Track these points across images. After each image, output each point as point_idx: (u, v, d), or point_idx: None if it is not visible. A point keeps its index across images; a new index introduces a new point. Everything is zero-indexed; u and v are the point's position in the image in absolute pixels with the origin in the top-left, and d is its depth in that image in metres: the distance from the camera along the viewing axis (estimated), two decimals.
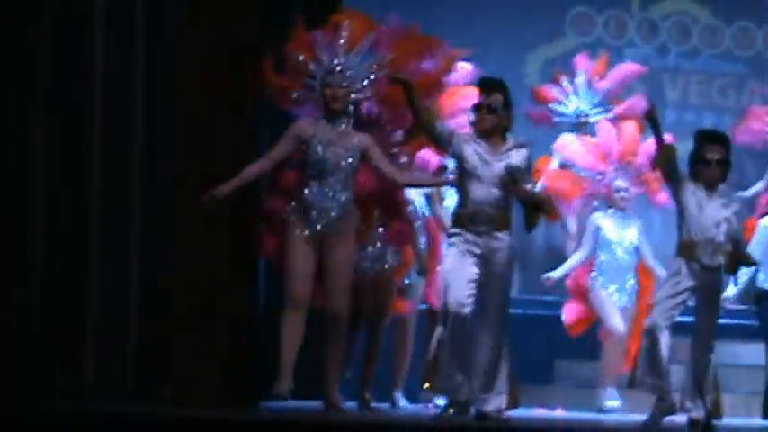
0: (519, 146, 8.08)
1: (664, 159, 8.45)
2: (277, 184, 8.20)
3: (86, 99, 8.21)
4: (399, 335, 9.36)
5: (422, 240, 9.50)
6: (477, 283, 7.86)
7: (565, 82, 11.20)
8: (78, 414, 6.96)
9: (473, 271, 7.85)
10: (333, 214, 8.07)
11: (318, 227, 8.03)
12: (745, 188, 11.08)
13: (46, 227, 8.00)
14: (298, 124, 8.07)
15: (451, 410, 7.94)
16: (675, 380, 8.59)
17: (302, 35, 8.32)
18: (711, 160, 8.35)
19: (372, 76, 8.31)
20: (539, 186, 9.98)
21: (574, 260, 10.32)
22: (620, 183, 9.93)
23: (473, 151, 7.90)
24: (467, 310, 7.82)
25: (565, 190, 10.42)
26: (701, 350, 8.42)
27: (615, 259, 10.04)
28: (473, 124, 8.07)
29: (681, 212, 8.40)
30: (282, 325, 8.09)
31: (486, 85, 8.14)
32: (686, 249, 8.31)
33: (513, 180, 7.84)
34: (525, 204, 7.99)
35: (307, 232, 8.07)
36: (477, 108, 8.05)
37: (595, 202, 10.44)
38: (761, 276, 9.90)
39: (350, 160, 8.09)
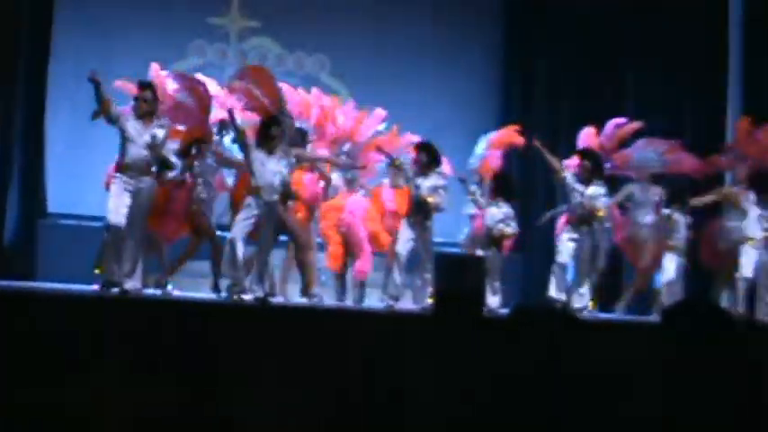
0: (161, 125, 9.20)
1: (240, 138, 9.47)
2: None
3: None
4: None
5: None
6: (129, 207, 8.93)
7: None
8: None
9: (127, 201, 8.93)
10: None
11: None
12: None
13: None
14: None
15: (106, 287, 8.88)
16: None
17: None
18: (273, 135, 9.35)
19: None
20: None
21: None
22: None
23: (132, 126, 9.04)
24: (122, 224, 8.90)
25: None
26: (262, 253, 9.42)
27: None
28: (133, 109, 9.10)
29: (250, 167, 9.34)
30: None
31: (140, 85, 9.25)
32: (255, 190, 9.31)
33: (153, 138, 9.00)
34: (160, 160, 9.16)
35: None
36: (135, 99, 9.14)
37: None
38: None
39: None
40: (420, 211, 10.25)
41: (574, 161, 11.09)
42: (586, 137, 11.51)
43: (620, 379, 3.20)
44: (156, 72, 10.33)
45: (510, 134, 11.61)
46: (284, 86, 10.43)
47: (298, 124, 10.44)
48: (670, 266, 11.14)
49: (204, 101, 9.97)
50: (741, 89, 13.15)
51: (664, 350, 3.15)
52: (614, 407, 3.14)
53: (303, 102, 10.91)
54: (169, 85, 10.11)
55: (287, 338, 7.27)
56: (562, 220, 11.16)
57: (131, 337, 6.79)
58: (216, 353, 6.94)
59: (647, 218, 11.33)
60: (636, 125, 11.63)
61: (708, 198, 11.43)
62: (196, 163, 10.03)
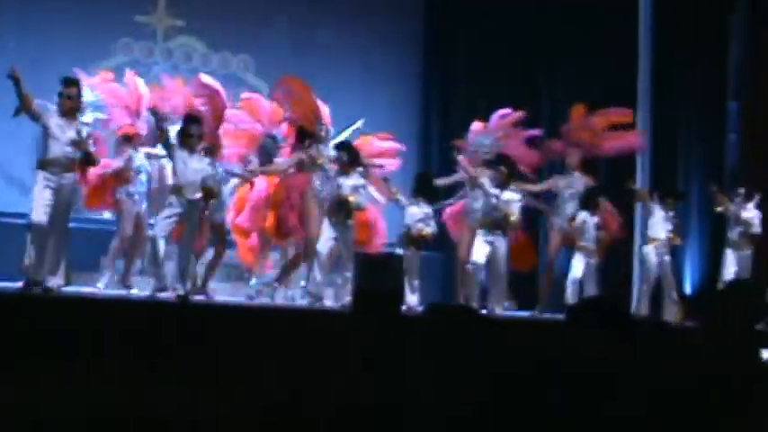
0: (85, 122, 9.14)
1: (163, 137, 9.50)
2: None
3: None
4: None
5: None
6: (52, 204, 8.77)
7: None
8: None
9: (50, 197, 8.77)
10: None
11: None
12: None
13: None
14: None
15: (29, 285, 8.78)
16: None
17: None
18: (192, 134, 9.45)
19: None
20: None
21: None
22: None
23: (55, 123, 8.87)
24: (45, 222, 8.76)
25: None
26: (184, 251, 9.47)
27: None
28: (57, 105, 8.93)
29: (174, 167, 9.44)
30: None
31: (65, 82, 9.08)
32: (176, 189, 9.36)
33: (78, 134, 8.88)
34: (86, 155, 8.99)
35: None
36: (60, 95, 8.97)
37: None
38: None
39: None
40: (342, 211, 10.24)
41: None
42: (475, 131, 11.60)
43: (523, 375, 3.18)
44: (131, 77, 10.68)
45: (384, 142, 11.59)
46: (256, 96, 10.92)
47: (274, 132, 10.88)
48: (578, 266, 11.23)
49: (218, 111, 10.19)
50: (651, 86, 13.26)
51: (568, 347, 3.15)
52: (516, 403, 3.12)
53: (275, 111, 11.06)
54: (142, 87, 10.54)
55: (209, 336, 7.34)
56: (447, 213, 11.37)
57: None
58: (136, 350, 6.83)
59: (478, 203, 11.11)
60: (519, 114, 11.64)
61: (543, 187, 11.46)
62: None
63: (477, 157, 11.33)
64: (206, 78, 10.58)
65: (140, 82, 10.76)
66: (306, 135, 10.12)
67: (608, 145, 11.60)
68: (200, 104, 10.12)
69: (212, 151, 9.96)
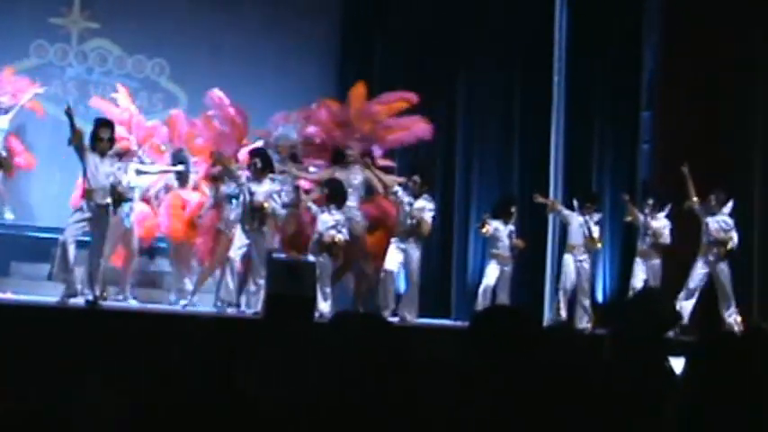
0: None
1: (76, 139, 9.32)
2: None
3: None
4: None
5: None
6: None
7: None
8: None
9: None
10: None
11: None
12: None
13: None
14: None
15: None
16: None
17: None
18: (102, 138, 9.33)
19: None
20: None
21: None
22: None
23: None
24: None
25: None
26: (94, 255, 9.29)
27: None
28: None
29: (85, 171, 9.27)
30: None
31: None
32: (88, 193, 9.22)
33: None
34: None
35: None
36: None
37: None
38: None
39: None
40: (255, 217, 10.07)
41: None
42: (276, 120, 11.55)
43: (428, 381, 3.09)
44: (121, 90, 11.40)
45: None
46: (180, 114, 11.42)
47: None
48: (492, 274, 11.16)
49: (241, 131, 10.78)
50: (564, 96, 13.16)
51: (470, 355, 3.09)
52: (421, 407, 3.01)
53: (190, 132, 11.36)
54: (122, 100, 11.18)
55: (115, 341, 7.29)
56: None
57: None
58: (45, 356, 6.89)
59: (287, 198, 10.85)
60: None
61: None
62: (223, 187, 10.49)
63: (283, 147, 11.10)
64: (220, 93, 10.95)
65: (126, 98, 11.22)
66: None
67: (393, 137, 11.28)
68: (219, 124, 10.72)
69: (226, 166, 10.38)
